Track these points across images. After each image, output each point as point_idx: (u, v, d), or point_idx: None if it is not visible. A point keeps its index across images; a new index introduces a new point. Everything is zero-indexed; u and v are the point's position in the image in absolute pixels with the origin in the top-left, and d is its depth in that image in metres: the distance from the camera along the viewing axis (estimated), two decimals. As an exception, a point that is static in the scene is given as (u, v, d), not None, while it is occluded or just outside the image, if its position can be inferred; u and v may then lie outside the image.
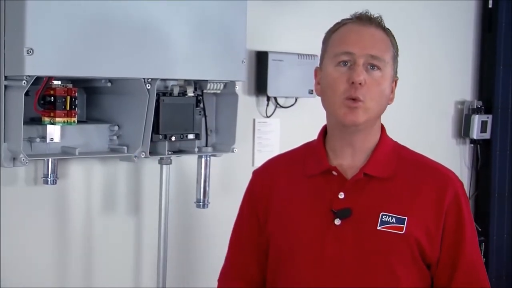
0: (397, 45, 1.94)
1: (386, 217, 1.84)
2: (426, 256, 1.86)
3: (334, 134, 1.93)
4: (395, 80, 1.94)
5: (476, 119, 4.32)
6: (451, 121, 4.39)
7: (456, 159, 4.42)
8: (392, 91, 1.94)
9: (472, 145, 4.46)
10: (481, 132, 4.35)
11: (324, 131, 1.97)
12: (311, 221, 1.89)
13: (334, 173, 1.90)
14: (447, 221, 1.86)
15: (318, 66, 1.96)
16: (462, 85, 4.42)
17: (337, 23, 1.93)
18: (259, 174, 2.07)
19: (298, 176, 1.97)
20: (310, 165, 1.95)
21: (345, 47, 1.85)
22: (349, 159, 1.91)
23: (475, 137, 4.35)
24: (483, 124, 4.35)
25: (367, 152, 1.91)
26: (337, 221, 1.86)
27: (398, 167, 1.90)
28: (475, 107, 4.36)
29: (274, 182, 2.00)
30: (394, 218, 1.84)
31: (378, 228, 1.84)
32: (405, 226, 1.83)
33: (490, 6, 4.39)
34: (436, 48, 4.21)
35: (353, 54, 1.84)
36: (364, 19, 1.88)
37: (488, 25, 4.40)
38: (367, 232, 1.84)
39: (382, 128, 1.97)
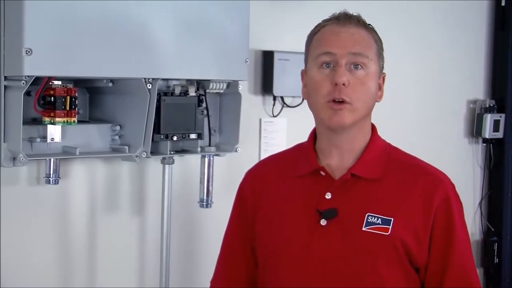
0: (380, 41, 1.91)
1: (371, 218, 1.82)
2: (413, 258, 1.83)
3: (321, 136, 1.92)
4: (382, 76, 1.91)
5: (489, 118, 4.28)
6: (463, 120, 4.36)
7: (468, 159, 4.39)
8: (380, 88, 1.91)
9: (485, 144, 4.42)
10: (493, 131, 4.31)
11: (314, 132, 1.96)
12: (297, 221, 1.88)
13: (322, 173, 1.89)
14: (436, 224, 1.82)
15: (303, 69, 1.94)
16: (474, 84, 4.38)
17: (317, 25, 1.91)
18: (249, 174, 2.07)
19: (288, 177, 1.96)
20: (300, 165, 1.94)
21: (326, 47, 1.84)
22: (336, 160, 1.89)
23: (487, 136, 4.31)
24: (496, 123, 4.31)
25: (357, 153, 1.89)
26: (323, 222, 1.84)
27: (388, 168, 1.88)
28: (488, 106, 4.32)
29: (264, 183, 1.99)
30: (379, 219, 1.81)
31: (363, 229, 1.81)
32: (390, 227, 1.80)
33: (503, 4, 4.35)
34: (448, 47, 4.18)
35: (335, 54, 1.82)
36: (342, 19, 1.86)
37: (501, 23, 4.36)
38: (353, 233, 1.82)
39: (373, 128, 1.95)
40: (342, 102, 1.80)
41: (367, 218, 1.82)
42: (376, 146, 1.91)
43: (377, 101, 1.91)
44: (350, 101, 1.81)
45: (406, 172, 1.88)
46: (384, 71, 1.92)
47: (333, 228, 1.84)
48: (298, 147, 2.01)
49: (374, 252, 1.81)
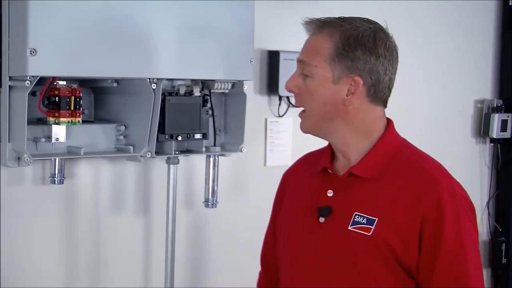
0: (345, 43, 1.79)
1: (358, 217, 1.81)
2: (400, 260, 1.78)
3: None
4: (352, 78, 1.80)
5: (496, 118, 4.26)
6: (470, 120, 4.34)
7: (476, 159, 4.37)
8: (354, 92, 1.81)
9: (492, 144, 4.40)
10: (501, 131, 4.29)
11: None
12: (301, 218, 1.91)
13: (330, 171, 1.91)
14: (425, 227, 1.76)
15: None
16: (481, 83, 4.37)
17: None
18: (286, 171, 2.12)
19: (306, 174, 1.99)
20: (315, 163, 1.96)
21: None
22: (342, 159, 1.90)
23: (495, 136, 4.29)
24: (503, 123, 4.29)
25: (363, 151, 1.87)
26: (321, 219, 1.86)
27: (389, 168, 1.84)
28: (495, 105, 4.30)
29: (291, 180, 2.06)
30: (365, 219, 1.80)
31: (349, 227, 1.81)
32: (373, 227, 1.78)
33: (510, 4, 4.33)
34: (455, 46, 4.16)
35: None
36: (306, 27, 1.88)
37: (509, 23, 4.34)
38: (340, 231, 1.83)
39: (389, 125, 1.90)
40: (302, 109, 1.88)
41: (354, 217, 1.81)
42: (385, 144, 1.87)
43: (346, 105, 1.82)
44: (303, 108, 1.87)
45: (405, 172, 1.84)
46: (354, 75, 1.80)
47: (328, 226, 1.85)
48: (326, 146, 2.00)
49: (356, 251, 1.80)
